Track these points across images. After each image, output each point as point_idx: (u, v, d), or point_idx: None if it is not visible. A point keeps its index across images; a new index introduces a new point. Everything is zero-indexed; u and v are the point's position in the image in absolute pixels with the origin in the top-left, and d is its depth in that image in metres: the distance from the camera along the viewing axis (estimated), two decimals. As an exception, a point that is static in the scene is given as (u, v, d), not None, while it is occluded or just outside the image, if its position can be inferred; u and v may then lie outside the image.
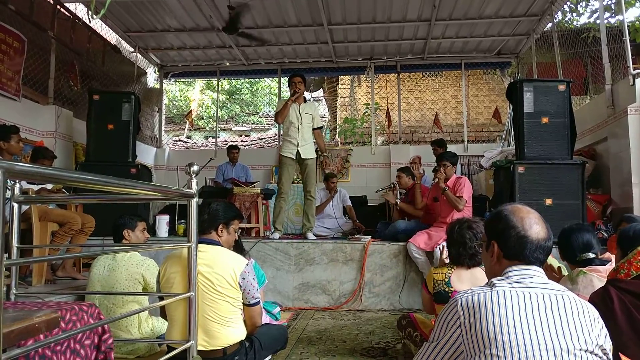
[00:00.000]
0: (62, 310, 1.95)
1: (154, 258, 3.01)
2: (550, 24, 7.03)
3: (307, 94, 15.50)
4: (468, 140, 8.61)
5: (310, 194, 5.06)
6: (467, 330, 1.21)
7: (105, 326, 2.11)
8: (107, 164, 5.14)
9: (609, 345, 1.21)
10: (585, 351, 1.14)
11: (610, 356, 1.22)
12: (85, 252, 3.76)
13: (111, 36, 7.83)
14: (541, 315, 1.17)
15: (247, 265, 2.33)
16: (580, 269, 2.24)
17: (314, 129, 5.13)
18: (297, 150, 4.96)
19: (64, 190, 3.99)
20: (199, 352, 2.16)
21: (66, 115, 6.12)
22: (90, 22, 6.89)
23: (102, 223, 4.10)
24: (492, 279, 1.30)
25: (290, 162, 4.98)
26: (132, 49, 8.15)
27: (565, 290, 1.25)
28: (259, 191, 5.61)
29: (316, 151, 5.27)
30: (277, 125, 9.43)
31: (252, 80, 16.37)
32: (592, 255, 2.27)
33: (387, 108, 9.41)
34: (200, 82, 15.32)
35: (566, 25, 9.11)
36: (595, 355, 1.16)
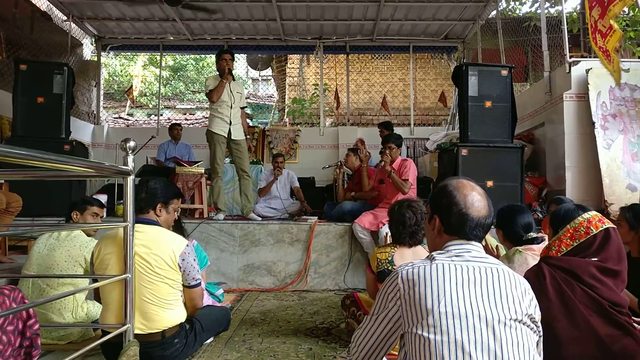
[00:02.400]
0: (-21, 295, 1.79)
1: (92, 239, 2.84)
2: (494, 11, 7.22)
3: (255, 72, 15.20)
4: (414, 124, 8.76)
5: (246, 174, 5.00)
6: (406, 302, 1.22)
7: (31, 311, 1.96)
8: (37, 139, 4.76)
9: (538, 315, 1.27)
10: (515, 320, 1.19)
11: (539, 324, 1.28)
12: (12, 232, 3.49)
13: (41, 2, 7.24)
14: (476, 287, 1.21)
15: (187, 246, 2.26)
16: (517, 248, 2.32)
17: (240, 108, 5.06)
18: (229, 129, 4.85)
19: (-16, 167, 3.67)
20: (136, 336, 2.08)
21: (-11, 86, 5.63)
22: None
23: (32, 203, 3.86)
24: (432, 253, 1.33)
25: (222, 140, 4.85)
26: (65, 17, 7.57)
27: (500, 264, 1.30)
28: (203, 171, 5.45)
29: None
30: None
31: (198, 56, 15.83)
32: (535, 234, 2.35)
33: (336, 89, 9.38)
34: (142, 57, 14.59)
35: (509, 13, 9.43)
36: (524, 324, 1.21)
